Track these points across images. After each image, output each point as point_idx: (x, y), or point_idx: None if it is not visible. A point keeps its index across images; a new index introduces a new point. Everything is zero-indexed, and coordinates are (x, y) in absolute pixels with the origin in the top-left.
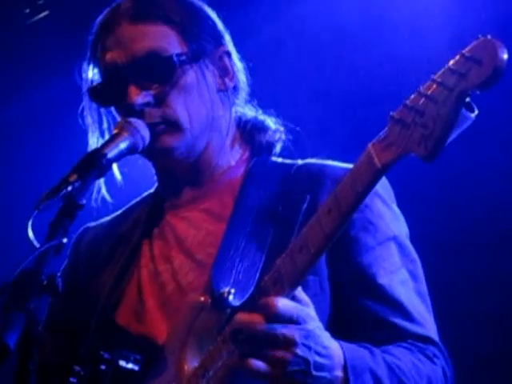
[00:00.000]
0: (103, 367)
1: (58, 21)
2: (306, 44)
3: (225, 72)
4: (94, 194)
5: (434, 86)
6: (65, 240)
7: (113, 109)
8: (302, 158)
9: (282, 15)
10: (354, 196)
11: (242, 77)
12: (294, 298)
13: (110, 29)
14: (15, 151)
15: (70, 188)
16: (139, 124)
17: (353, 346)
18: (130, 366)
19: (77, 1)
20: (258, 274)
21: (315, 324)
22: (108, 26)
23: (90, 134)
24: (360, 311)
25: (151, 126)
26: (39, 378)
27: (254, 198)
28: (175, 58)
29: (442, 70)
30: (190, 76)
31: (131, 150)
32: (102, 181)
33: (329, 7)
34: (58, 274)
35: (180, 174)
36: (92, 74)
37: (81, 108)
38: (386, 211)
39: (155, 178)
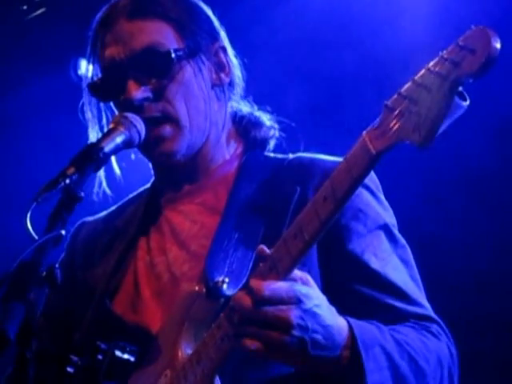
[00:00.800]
0: (100, 357)
1: (55, 18)
2: (298, 39)
3: (220, 67)
4: (96, 188)
5: (428, 74)
6: (63, 232)
7: (112, 104)
8: (294, 152)
9: (274, 11)
10: (350, 183)
11: (237, 72)
12: (290, 279)
13: (109, 25)
14: (13, 144)
15: (68, 181)
16: (135, 119)
17: (361, 321)
18: (126, 356)
19: None
20: (251, 264)
21: (313, 302)
22: (106, 23)
23: (89, 129)
24: (356, 298)
25: (151, 124)
26: (37, 366)
27: (246, 191)
28: (173, 53)
29: (436, 58)
30: (187, 71)
31: (127, 144)
32: (102, 175)
33: (321, 3)
34: (57, 266)
35: (177, 169)
36: (91, 69)
37: (81, 103)
38: (373, 200)
39: (152, 172)
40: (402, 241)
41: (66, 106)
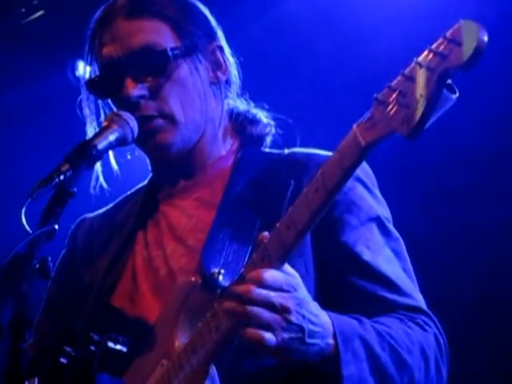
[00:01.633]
0: (93, 348)
1: (53, 20)
2: (295, 38)
3: (217, 66)
4: (93, 182)
5: (417, 67)
6: (56, 226)
7: (110, 101)
8: (289, 148)
9: (271, 11)
10: (340, 174)
11: (234, 71)
12: (282, 271)
13: (107, 24)
14: (10, 144)
15: (61, 177)
16: (128, 117)
17: (341, 315)
18: (118, 347)
19: (70, 1)
20: (247, 256)
21: (305, 293)
22: (105, 22)
23: (87, 125)
24: (348, 289)
25: (147, 121)
26: (32, 358)
27: (242, 186)
28: (169, 52)
29: (425, 52)
30: (184, 69)
31: (120, 142)
32: (99, 170)
33: (317, 2)
34: (49, 258)
35: (174, 165)
36: (90, 67)
37: (79, 100)
38: (367, 194)
39: (150, 168)
40: (396, 233)
41: (63, 107)
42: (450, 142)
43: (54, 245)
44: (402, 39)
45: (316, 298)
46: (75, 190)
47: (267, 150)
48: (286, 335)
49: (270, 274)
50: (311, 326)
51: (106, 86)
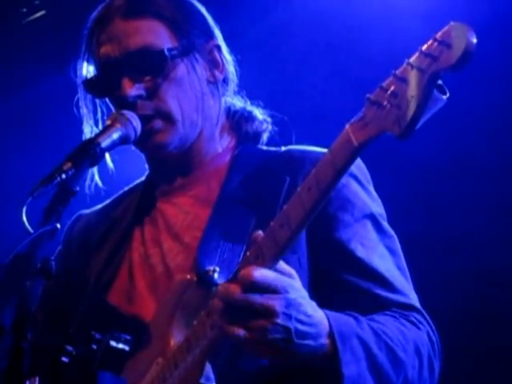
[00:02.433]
0: (94, 347)
1: (54, 20)
2: (293, 40)
3: (214, 65)
4: (88, 181)
5: (408, 68)
6: (58, 225)
7: (107, 100)
8: (286, 145)
9: (272, 11)
10: (333, 174)
11: (231, 69)
12: (276, 270)
13: (104, 24)
14: (12, 144)
15: (64, 176)
16: (131, 116)
17: (338, 313)
18: (120, 346)
19: (72, 1)
20: (242, 254)
21: (298, 293)
22: (102, 22)
23: (84, 123)
24: (342, 285)
25: (144, 120)
26: (32, 357)
27: (238, 183)
28: (166, 52)
29: (416, 53)
30: (181, 69)
31: (123, 141)
32: (95, 168)
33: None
34: (52, 258)
35: (171, 162)
36: (87, 66)
37: (76, 98)
38: (361, 191)
39: (146, 166)
40: (390, 231)
41: (64, 106)
42: (441, 144)
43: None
44: (399, 39)
45: (308, 294)
46: (77, 188)
47: (264, 147)
48: (269, 336)
49: (260, 274)
50: (300, 327)
51: (103, 85)
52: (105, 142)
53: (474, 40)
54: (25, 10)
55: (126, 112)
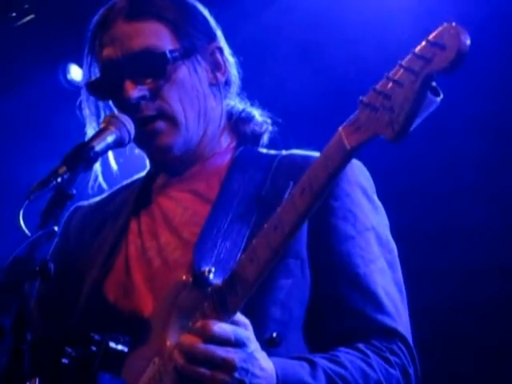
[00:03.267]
0: (94, 348)
1: (43, 24)
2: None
3: (216, 67)
4: (91, 182)
5: (401, 70)
6: (56, 228)
7: (110, 102)
8: (287, 148)
9: (265, 11)
10: (325, 177)
11: (233, 71)
12: (233, 322)
13: (107, 26)
14: (5, 145)
15: (59, 179)
16: (125, 119)
17: (290, 361)
18: (119, 347)
19: (61, 5)
20: (239, 255)
21: (254, 346)
22: (105, 24)
23: (87, 126)
24: (334, 297)
25: (147, 121)
26: (32, 357)
27: (238, 183)
28: (168, 54)
29: (409, 55)
30: (183, 71)
31: (118, 144)
32: (99, 170)
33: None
34: (49, 259)
35: (174, 162)
36: (90, 69)
37: (79, 101)
38: (365, 202)
39: (147, 162)
40: (391, 244)
41: (54, 110)
42: (435, 142)
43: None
44: (389, 39)
45: (309, 302)
46: (74, 191)
47: (264, 150)
48: None
49: (219, 328)
50: (254, 380)
51: (106, 87)
52: (99, 146)
53: (468, 41)
54: (14, 14)
55: (119, 115)
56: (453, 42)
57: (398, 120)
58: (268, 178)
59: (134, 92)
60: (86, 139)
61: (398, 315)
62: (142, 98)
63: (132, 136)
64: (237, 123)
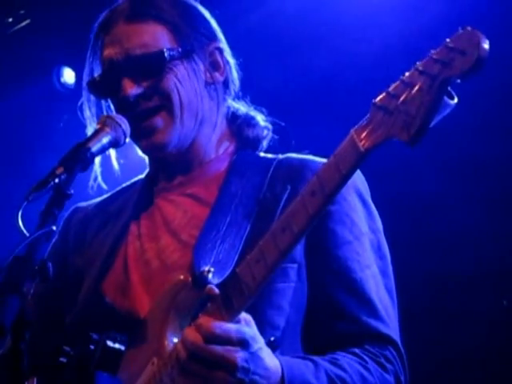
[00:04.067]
0: (92, 347)
1: (39, 29)
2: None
3: (215, 67)
4: (91, 182)
5: (417, 74)
6: (54, 227)
7: (109, 101)
8: (284, 152)
9: (254, 12)
10: (339, 178)
11: (233, 72)
12: (237, 321)
13: (108, 28)
14: (3, 148)
15: (57, 180)
16: (120, 119)
17: (295, 360)
18: (117, 346)
19: (56, 11)
20: (237, 256)
21: (258, 345)
22: (106, 26)
23: (88, 126)
24: (330, 301)
25: (144, 117)
26: (30, 357)
27: (237, 187)
28: (165, 53)
29: (425, 59)
30: (181, 70)
31: (113, 144)
32: (98, 170)
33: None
34: (47, 258)
35: (171, 161)
36: (92, 70)
37: (80, 102)
38: (361, 207)
39: (147, 163)
40: (384, 249)
41: (49, 113)
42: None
43: None
44: (378, 37)
45: (306, 305)
46: (72, 191)
47: (262, 153)
48: None
49: (222, 327)
50: (256, 379)
51: (105, 86)
52: (95, 147)
53: (487, 46)
54: (11, 19)
55: (115, 115)
56: (473, 46)
57: (414, 124)
58: (266, 182)
59: (132, 90)
60: (82, 140)
61: (391, 321)
62: (140, 95)
63: (127, 136)
64: (241, 126)
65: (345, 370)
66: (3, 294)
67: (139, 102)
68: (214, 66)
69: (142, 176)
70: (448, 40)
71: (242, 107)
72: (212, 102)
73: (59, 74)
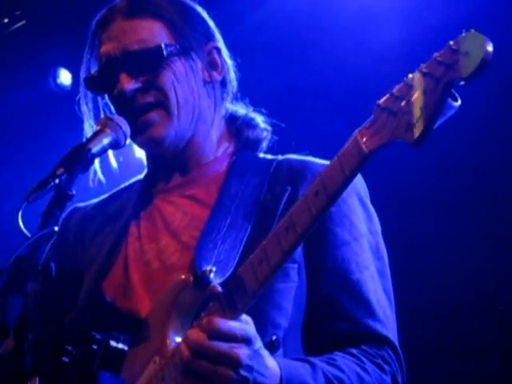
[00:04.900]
0: (95, 347)
1: (34, 30)
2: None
3: (213, 66)
4: (91, 176)
5: (421, 76)
6: (56, 228)
7: (107, 97)
8: (283, 153)
9: (253, 13)
10: (342, 179)
11: (231, 72)
12: (238, 321)
13: (106, 25)
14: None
15: (57, 181)
16: (121, 120)
17: (292, 362)
18: (120, 345)
19: (52, 12)
20: (238, 256)
21: (259, 344)
22: (104, 23)
23: (84, 122)
24: (328, 301)
25: (141, 112)
26: (32, 356)
27: (236, 188)
28: (163, 49)
29: (429, 61)
30: (178, 66)
31: (114, 146)
32: (98, 168)
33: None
34: (50, 258)
35: (168, 160)
36: (90, 66)
37: (77, 98)
38: (361, 208)
39: (145, 163)
40: (382, 251)
41: (45, 112)
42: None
43: None
44: (374, 40)
45: (306, 305)
46: (73, 192)
47: (261, 154)
48: None
49: (226, 325)
50: (258, 378)
51: (103, 82)
52: (95, 148)
53: (491, 48)
54: (6, 20)
55: (115, 117)
56: (477, 48)
57: (419, 125)
58: (266, 183)
59: (130, 85)
60: (84, 140)
61: (389, 322)
62: (137, 90)
63: (128, 137)
64: (241, 127)
65: (342, 370)
66: (6, 295)
67: (136, 97)
68: (212, 64)
69: (141, 176)
70: (452, 42)
71: (240, 108)
72: (209, 101)
73: (55, 75)
